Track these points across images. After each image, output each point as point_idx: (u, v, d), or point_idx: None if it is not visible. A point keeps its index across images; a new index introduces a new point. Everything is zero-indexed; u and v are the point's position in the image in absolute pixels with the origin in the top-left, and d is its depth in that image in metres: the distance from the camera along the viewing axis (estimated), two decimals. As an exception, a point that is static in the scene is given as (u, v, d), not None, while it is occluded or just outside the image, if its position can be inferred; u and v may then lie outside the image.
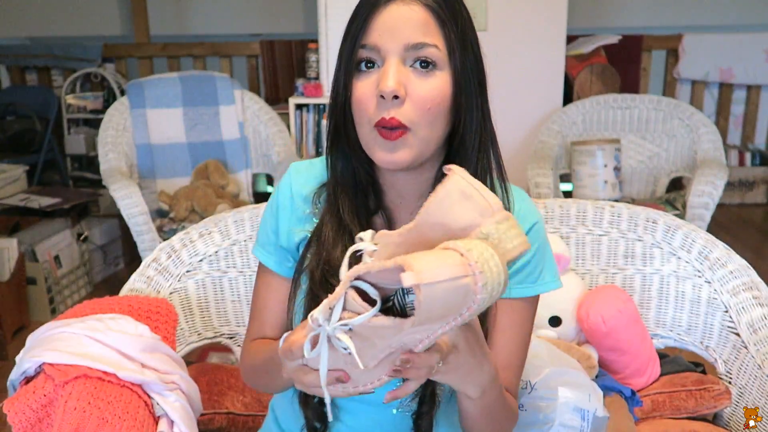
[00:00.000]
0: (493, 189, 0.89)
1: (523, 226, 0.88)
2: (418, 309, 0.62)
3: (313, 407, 0.94)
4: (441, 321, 0.65)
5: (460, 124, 0.88)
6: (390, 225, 0.93)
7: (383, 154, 0.85)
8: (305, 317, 0.90)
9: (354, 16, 0.88)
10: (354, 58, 0.85)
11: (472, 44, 0.88)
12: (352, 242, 0.88)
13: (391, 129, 0.83)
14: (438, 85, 0.84)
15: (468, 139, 0.88)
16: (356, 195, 0.93)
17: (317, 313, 0.71)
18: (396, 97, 0.82)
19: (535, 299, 0.96)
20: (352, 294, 0.70)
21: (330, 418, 0.77)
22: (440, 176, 0.86)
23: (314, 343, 0.72)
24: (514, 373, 0.95)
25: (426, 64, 0.84)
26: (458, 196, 0.69)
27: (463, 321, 0.65)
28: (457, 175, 0.69)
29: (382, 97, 0.83)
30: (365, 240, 0.72)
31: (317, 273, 0.90)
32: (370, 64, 0.85)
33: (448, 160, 0.90)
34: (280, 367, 0.78)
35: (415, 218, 0.70)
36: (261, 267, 1.02)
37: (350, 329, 0.70)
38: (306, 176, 0.98)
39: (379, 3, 0.85)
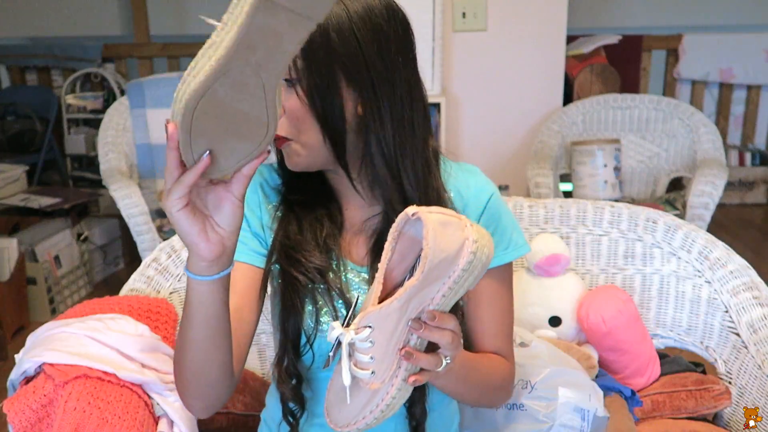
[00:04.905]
0: (428, 167, 0.95)
1: (480, 199, 0.98)
2: (423, 258, 0.75)
3: (290, 387, 0.96)
4: (438, 281, 0.77)
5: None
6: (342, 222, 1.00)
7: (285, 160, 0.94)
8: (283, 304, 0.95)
9: None
10: None
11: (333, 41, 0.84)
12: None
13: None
14: (296, 98, 0.87)
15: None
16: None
17: (337, 328, 0.81)
18: None
19: (509, 266, 1.01)
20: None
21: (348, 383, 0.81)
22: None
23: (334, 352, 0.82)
24: (504, 340, 1.01)
25: (288, 81, 0.86)
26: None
27: (455, 278, 0.77)
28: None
29: None
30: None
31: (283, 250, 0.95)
32: None
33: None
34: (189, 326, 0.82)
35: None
36: None
37: (370, 328, 0.79)
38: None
39: None
